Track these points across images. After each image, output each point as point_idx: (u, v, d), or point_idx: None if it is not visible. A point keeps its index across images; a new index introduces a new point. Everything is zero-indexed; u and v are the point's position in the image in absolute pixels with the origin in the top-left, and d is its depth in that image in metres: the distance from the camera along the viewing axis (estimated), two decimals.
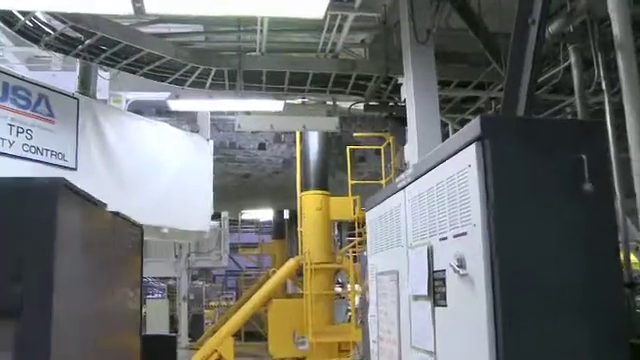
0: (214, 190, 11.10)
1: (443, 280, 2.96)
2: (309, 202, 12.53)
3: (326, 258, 12.34)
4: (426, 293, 3.14)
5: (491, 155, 2.57)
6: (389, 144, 11.19)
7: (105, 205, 3.19)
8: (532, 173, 2.59)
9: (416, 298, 3.35)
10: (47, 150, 7.32)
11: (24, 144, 7.11)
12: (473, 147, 2.63)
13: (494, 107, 8.36)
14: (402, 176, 3.76)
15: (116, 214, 3.54)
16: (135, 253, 4.12)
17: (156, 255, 17.86)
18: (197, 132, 11.37)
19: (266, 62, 8.42)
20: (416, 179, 3.43)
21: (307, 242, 12.31)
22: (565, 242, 2.56)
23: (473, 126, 2.66)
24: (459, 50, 8.10)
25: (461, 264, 2.71)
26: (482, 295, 2.52)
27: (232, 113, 11.50)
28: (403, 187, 3.69)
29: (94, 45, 7.56)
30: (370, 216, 4.71)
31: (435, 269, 3.09)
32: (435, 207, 3.09)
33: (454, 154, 2.84)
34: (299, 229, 12.74)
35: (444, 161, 2.97)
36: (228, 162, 15.22)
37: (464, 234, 2.72)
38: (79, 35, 7.38)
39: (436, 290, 3.07)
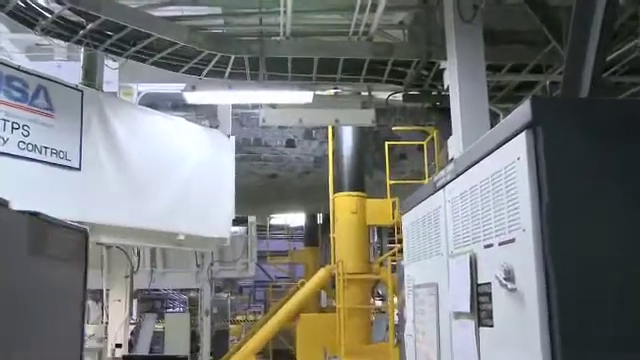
0: (237, 192, 11.05)
1: (489, 295, 2.81)
2: (343, 205, 12.48)
3: (361, 268, 12.26)
4: (469, 310, 3.01)
5: (544, 145, 2.39)
6: (433, 139, 11.06)
7: (6, 202, 2.78)
8: (597, 166, 2.40)
9: (458, 316, 3.22)
10: (46, 148, 7.29)
11: (20, 141, 7.09)
12: (523, 136, 2.46)
13: (552, 94, 8.10)
14: (442, 173, 3.63)
15: (34, 214, 3.14)
16: (73, 262, 3.74)
17: (175, 265, 17.95)
18: (217, 127, 11.30)
19: (291, 47, 8.29)
20: (457, 176, 3.29)
21: (340, 250, 12.27)
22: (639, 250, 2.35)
23: (522, 110, 2.48)
24: (512, 28, 7.84)
25: (509, 277, 2.56)
26: (535, 315, 2.35)
27: (256, 106, 11.47)
28: (442, 186, 3.56)
29: (97, 30, 7.50)
30: (406, 220, 4.62)
31: (479, 282, 2.94)
32: (479, 209, 2.94)
33: (500, 145, 2.67)
34: (331, 235, 12.73)
35: (489, 154, 2.81)
36: (253, 161, 15.20)
37: (512, 241, 2.55)
38: (80, 19, 7.34)
39: (481, 307, 2.92)
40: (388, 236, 20.57)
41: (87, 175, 7.76)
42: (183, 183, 9.46)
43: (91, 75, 8.62)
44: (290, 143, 15.31)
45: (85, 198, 7.53)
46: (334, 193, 12.75)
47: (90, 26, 7.38)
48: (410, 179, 12.53)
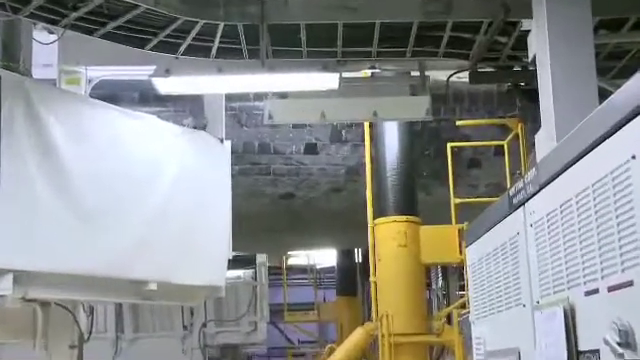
0: (237, 220, 11.05)
1: None
2: (387, 235, 12.57)
3: (416, 326, 12.31)
4: None
5: None
6: (517, 136, 10.99)
7: None
8: None
9: None
10: None
11: None
12: (639, 122, 2.40)
13: None
14: (519, 185, 3.69)
15: None
16: None
17: (153, 328, 18.03)
18: (204, 128, 11.30)
19: (305, 9, 8.32)
20: (542, 188, 3.34)
21: (384, 300, 12.35)
22: None
23: (637, 83, 2.42)
24: None
25: (627, 341, 2.53)
26: None
27: (261, 97, 11.48)
28: (522, 203, 3.62)
29: None
30: (472, 254, 4.80)
31: (581, 348, 2.96)
32: (575, 236, 2.95)
33: (604, 139, 2.65)
34: (371, 279, 12.82)
35: (587, 153, 2.81)
36: (258, 175, 15.23)
37: (629, 284, 2.51)
38: None
39: None
40: (458, 279, 20.45)
41: (8, 199, 7.69)
42: (154, 208, 9.41)
43: (12, 54, 8.58)
44: (311, 149, 15.27)
45: (5, 234, 7.45)
46: (374, 218, 12.83)
47: None
48: (485, 196, 12.49)
